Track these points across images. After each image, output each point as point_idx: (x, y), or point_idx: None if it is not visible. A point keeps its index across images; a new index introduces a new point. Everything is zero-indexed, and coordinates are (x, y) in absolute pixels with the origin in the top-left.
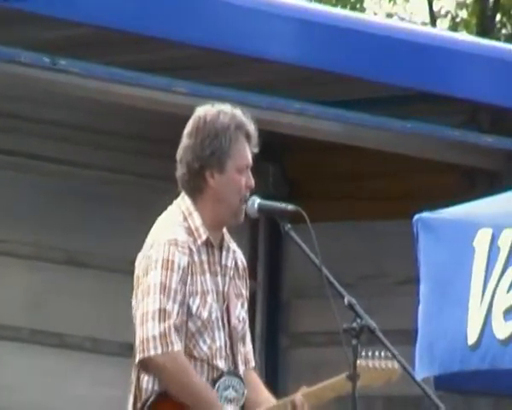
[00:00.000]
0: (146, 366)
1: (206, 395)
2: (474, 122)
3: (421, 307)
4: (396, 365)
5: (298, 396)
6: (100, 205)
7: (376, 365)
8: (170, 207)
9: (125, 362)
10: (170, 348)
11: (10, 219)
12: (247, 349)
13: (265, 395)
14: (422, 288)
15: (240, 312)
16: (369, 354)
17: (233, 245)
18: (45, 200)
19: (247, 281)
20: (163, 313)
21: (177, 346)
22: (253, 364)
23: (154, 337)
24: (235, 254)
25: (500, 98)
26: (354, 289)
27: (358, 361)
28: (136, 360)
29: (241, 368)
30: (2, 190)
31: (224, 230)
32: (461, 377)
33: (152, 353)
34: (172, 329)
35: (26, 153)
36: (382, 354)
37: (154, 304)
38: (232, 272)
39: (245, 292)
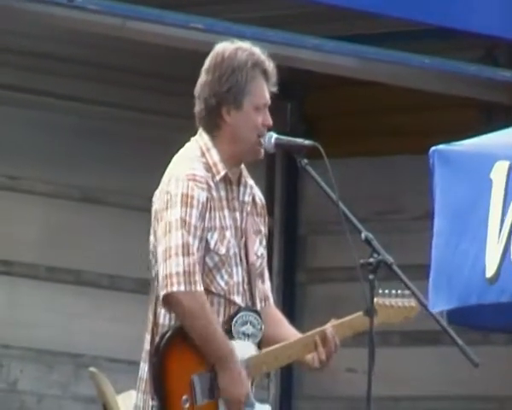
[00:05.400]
0: (169, 301)
1: (220, 343)
2: (490, 57)
3: (436, 241)
4: (414, 302)
5: (328, 328)
6: (115, 143)
7: (393, 302)
8: (187, 144)
9: (141, 298)
10: (193, 288)
11: (27, 156)
12: (265, 286)
13: (290, 330)
14: (438, 221)
15: (258, 248)
16: (387, 291)
17: (250, 181)
18: (62, 137)
19: (266, 218)
20: (186, 249)
21: (200, 286)
22: (271, 300)
23: (178, 273)
24: (253, 191)
25: None
26: (370, 224)
27: (376, 299)
28: (160, 295)
29: (259, 304)
30: (19, 127)
31: (242, 166)
32: (475, 311)
33: (175, 289)
34: (197, 267)
35: (45, 91)
36: (399, 291)
37: (177, 240)
38: (249, 209)
39: (263, 229)
